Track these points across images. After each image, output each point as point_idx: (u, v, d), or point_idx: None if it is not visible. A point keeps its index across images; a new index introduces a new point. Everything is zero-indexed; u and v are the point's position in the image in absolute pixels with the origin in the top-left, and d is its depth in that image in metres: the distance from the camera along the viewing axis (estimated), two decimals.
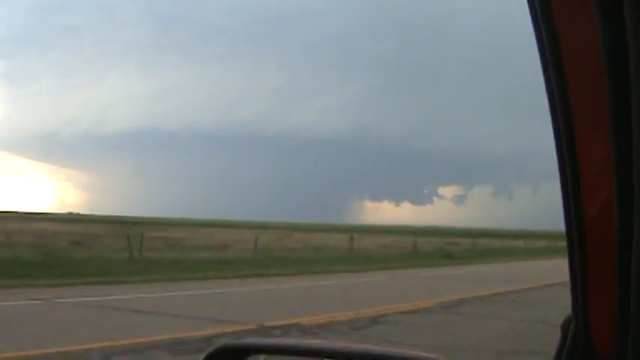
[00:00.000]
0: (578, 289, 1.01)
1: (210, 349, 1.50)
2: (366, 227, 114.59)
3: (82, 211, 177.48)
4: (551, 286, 18.56)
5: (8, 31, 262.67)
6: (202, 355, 1.46)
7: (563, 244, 1.03)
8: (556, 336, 1.08)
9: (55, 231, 45.22)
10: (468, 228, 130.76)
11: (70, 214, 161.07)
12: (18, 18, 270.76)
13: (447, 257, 34.54)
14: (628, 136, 0.82)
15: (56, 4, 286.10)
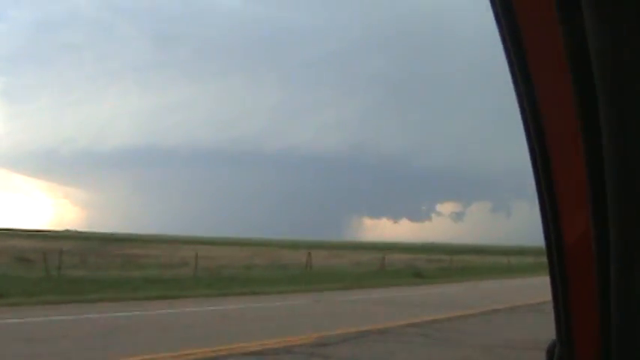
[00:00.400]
0: (561, 312, 1.00)
1: None
2: (358, 244, 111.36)
3: (80, 229, 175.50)
4: (496, 312, 15.36)
5: (8, 48, 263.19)
6: None
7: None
8: None
9: (20, 248, 42.72)
10: (465, 244, 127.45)
11: (68, 231, 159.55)
12: (17, 35, 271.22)
13: (416, 276, 31.39)
14: (599, 150, 0.80)
15: (55, 21, 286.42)
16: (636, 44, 0.73)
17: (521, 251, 67.53)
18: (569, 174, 0.91)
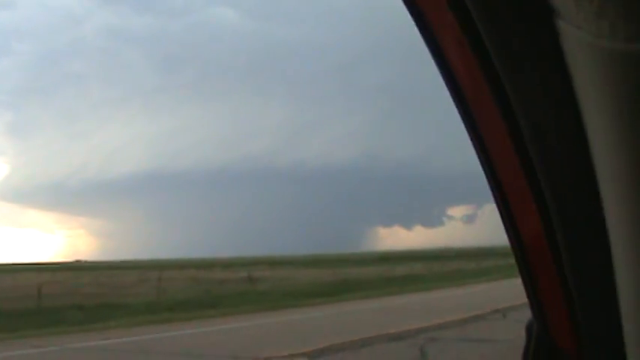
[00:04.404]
0: (532, 295, 1.11)
1: None
2: (365, 254, 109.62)
3: (92, 258, 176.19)
4: None
5: (13, 82, 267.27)
6: None
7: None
8: None
9: None
10: (473, 247, 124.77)
11: (78, 261, 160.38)
12: (21, 69, 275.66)
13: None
14: (525, 151, 0.82)
15: (58, 51, 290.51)
16: (522, 35, 0.71)
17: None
18: (511, 177, 0.93)
